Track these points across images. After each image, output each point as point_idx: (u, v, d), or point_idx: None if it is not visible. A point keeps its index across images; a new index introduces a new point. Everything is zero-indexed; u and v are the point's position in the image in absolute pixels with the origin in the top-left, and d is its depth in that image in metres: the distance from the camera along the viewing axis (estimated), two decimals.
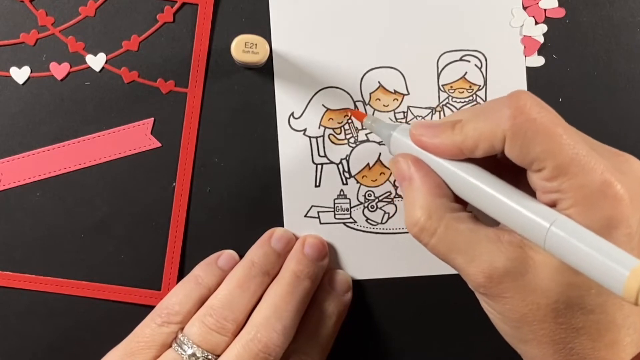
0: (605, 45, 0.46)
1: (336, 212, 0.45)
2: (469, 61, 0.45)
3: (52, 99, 0.44)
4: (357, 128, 0.45)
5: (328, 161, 0.45)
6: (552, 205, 0.34)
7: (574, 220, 0.32)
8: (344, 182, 0.45)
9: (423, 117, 0.45)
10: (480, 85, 0.45)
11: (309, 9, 0.45)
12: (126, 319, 0.43)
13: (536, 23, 0.45)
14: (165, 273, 0.44)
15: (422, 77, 0.45)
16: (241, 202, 0.45)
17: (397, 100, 0.45)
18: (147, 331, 0.41)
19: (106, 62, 0.44)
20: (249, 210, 0.45)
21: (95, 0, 0.44)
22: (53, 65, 0.44)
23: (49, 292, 0.44)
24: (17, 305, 0.44)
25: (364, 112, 0.45)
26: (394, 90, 0.45)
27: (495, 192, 0.34)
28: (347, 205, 0.45)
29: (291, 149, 0.45)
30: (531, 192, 0.35)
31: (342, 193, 0.45)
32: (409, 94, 0.45)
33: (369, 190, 0.45)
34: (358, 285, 0.45)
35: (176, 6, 0.44)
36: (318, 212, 0.45)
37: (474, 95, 0.45)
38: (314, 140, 0.45)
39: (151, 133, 0.44)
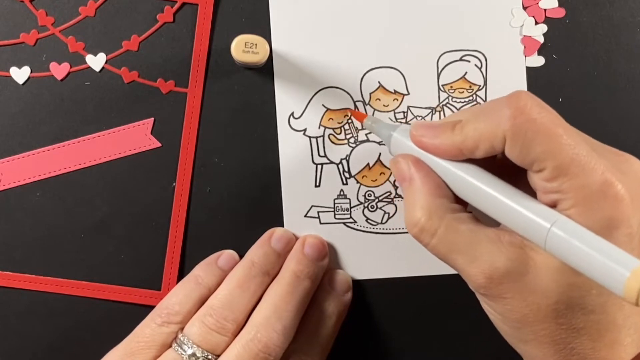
0: (605, 45, 0.46)
1: (336, 212, 0.45)
2: (469, 61, 0.45)
3: (52, 99, 0.44)
4: (357, 128, 0.45)
5: (328, 161, 0.45)
6: (553, 205, 0.34)
7: (575, 221, 0.32)
8: (344, 182, 0.45)
9: (423, 117, 0.45)
10: (480, 85, 0.45)
11: (309, 9, 0.45)
12: (126, 319, 0.43)
13: (536, 23, 0.45)
14: (165, 273, 0.44)
15: (422, 77, 0.45)
16: (241, 202, 0.45)
17: (397, 100, 0.45)
18: (147, 331, 0.41)
19: (106, 62, 0.44)
20: (249, 210, 0.45)
21: (95, 0, 0.44)
22: (53, 65, 0.44)
23: (49, 292, 0.44)
24: (17, 305, 0.44)
25: (364, 112, 0.45)
26: (394, 90, 0.45)
27: (496, 193, 0.34)
28: (347, 205, 0.45)
29: (291, 149, 0.45)
30: (531, 193, 0.35)
31: (342, 193, 0.45)
32: (409, 94, 0.45)
33: (369, 190, 0.45)
34: (358, 285, 0.45)
35: (176, 6, 0.44)
36: (318, 212, 0.45)
37: (474, 95, 0.45)
38: (314, 140, 0.45)
39: (151, 133, 0.44)
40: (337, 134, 0.45)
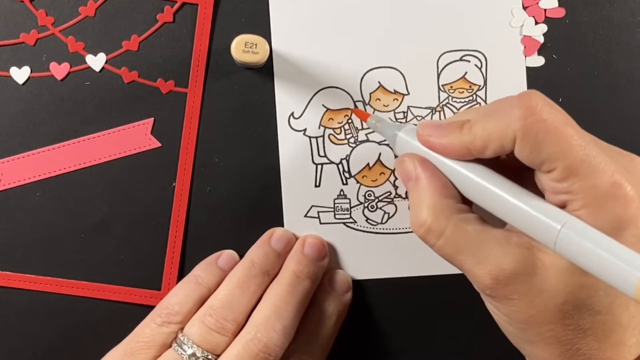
0: (605, 45, 0.46)
1: (336, 212, 0.45)
2: (469, 61, 0.45)
3: (52, 99, 0.44)
4: (357, 128, 0.45)
5: (328, 161, 0.45)
6: (562, 206, 0.33)
7: (584, 222, 0.32)
8: (344, 182, 0.45)
9: (423, 117, 0.45)
10: (480, 85, 0.45)
11: (309, 9, 0.45)
12: (126, 319, 0.43)
13: (536, 23, 0.45)
14: (165, 273, 0.44)
15: (422, 77, 0.45)
16: (241, 202, 0.45)
17: (397, 100, 0.45)
18: (147, 331, 0.41)
19: (106, 62, 0.44)
20: (249, 210, 0.45)
21: (95, 0, 0.44)
22: (53, 65, 0.44)
23: (49, 292, 0.44)
24: (17, 305, 0.44)
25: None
26: (394, 90, 0.45)
27: (504, 194, 0.34)
28: (347, 205, 0.45)
29: (291, 149, 0.45)
30: (536, 193, 0.34)
31: (342, 193, 0.45)
32: (409, 94, 0.45)
33: (369, 190, 0.45)
34: (358, 285, 0.45)
35: (176, 6, 0.44)
36: (318, 212, 0.45)
37: (474, 95, 0.45)
38: (314, 140, 0.45)
39: (151, 133, 0.44)
40: (337, 134, 0.45)
